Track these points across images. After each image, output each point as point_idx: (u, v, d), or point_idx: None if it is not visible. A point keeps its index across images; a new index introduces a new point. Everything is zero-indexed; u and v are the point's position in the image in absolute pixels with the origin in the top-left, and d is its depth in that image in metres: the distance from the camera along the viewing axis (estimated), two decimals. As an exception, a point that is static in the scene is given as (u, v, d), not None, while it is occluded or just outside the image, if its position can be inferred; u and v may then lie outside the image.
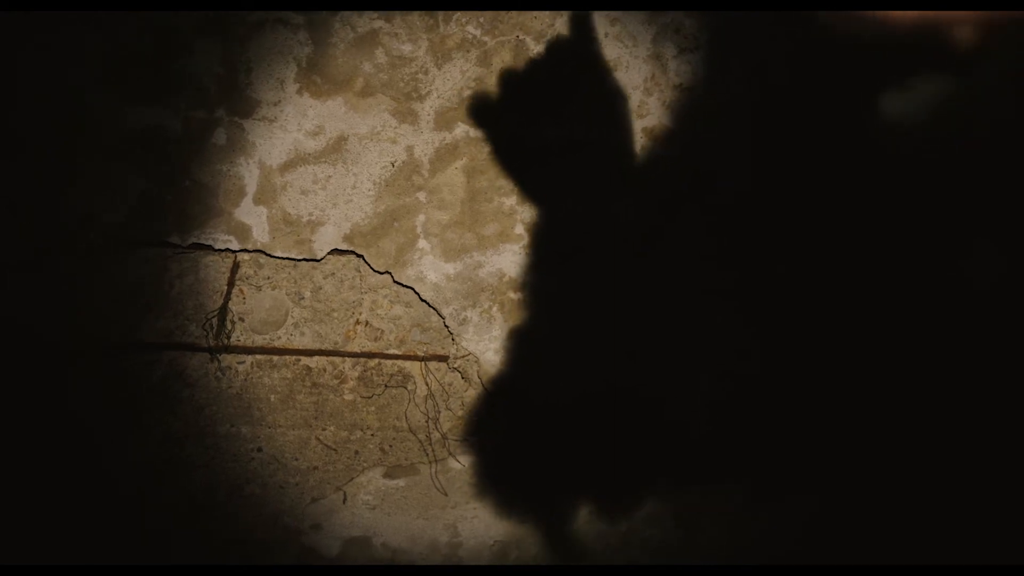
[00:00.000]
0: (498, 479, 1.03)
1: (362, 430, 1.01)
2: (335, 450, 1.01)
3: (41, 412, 0.97)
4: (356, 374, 1.00)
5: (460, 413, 1.02)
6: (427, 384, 1.01)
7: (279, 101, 0.98)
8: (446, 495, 1.03)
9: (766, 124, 1.02)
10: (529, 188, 1.00)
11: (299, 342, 1.00)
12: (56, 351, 0.96)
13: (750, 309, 1.03)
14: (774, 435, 1.05)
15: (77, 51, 0.94)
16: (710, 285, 1.03)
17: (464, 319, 1.01)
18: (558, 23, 0.99)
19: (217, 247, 0.98)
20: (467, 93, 0.99)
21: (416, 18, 0.98)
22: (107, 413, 0.98)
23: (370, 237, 0.99)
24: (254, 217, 0.98)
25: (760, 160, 1.02)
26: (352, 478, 1.02)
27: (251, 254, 0.99)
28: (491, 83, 0.99)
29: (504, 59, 0.99)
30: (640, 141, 1.01)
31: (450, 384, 1.01)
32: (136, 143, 0.96)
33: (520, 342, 1.01)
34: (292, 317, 1.00)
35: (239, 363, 0.99)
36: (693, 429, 1.04)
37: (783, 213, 1.03)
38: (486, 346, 1.01)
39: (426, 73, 0.99)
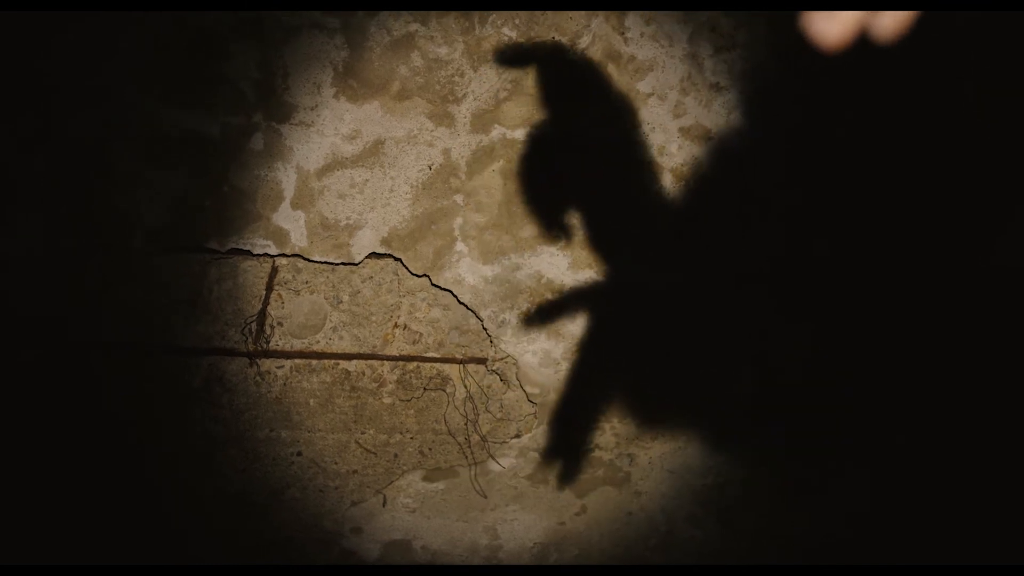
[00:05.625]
0: (538, 480, 1.03)
1: (401, 433, 1.01)
2: (374, 453, 1.01)
3: (83, 415, 0.97)
4: (395, 377, 1.00)
5: (499, 415, 1.02)
6: (466, 387, 1.01)
7: (316, 106, 0.98)
8: (485, 497, 1.03)
9: (803, 120, 1.01)
10: (565, 188, 1.00)
11: (338, 346, 1.00)
12: (98, 355, 0.97)
13: (788, 298, 1.03)
14: (815, 425, 1.05)
15: (117, 56, 0.94)
16: (747, 275, 1.02)
17: (502, 321, 1.01)
18: (593, 23, 0.99)
19: (255, 252, 0.98)
20: (503, 95, 0.99)
21: (452, 20, 0.98)
22: (148, 417, 0.98)
23: (408, 240, 0.99)
24: (292, 222, 0.98)
25: (796, 155, 1.02)
26: (392, 481, 1.02)
27: (289, 259, 0.99)
28: (527, 84, 0.99)
29: (540, 60, 0.99)
30: (677, 141, 1.01)
31: (489, 386, 1.01)
32: (175, 148, 0.96)
33: (558, 342, 1.01)
34: (330, 321, 1.00)
35: (278, 367, 1.00)
36: (733, 421, 1.03)
37: (820, 206, 1.02)
38: (524, 348, 1.01)
39: (462, 76, 0.99)
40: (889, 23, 0.30)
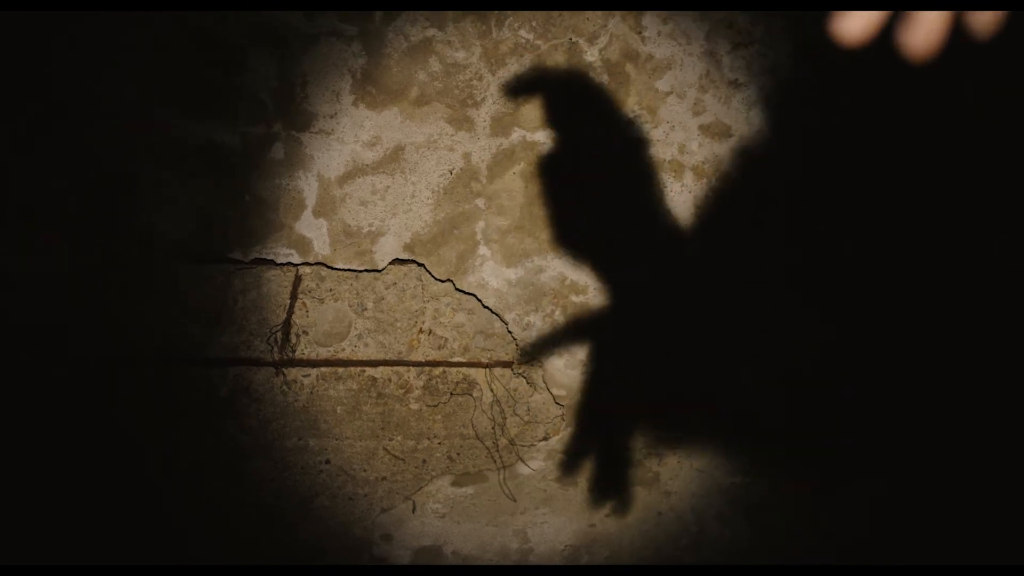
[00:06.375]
0: (566, 482, 1.03)
1: (429, 439, 1.01)
2: (403, 460, 1.01)
3: (111, 430, 0.97)
4: (421, 383, 1.00)
5: (526, 418, 1.01)
6: (492, 391, 1.01)
7: (335, 113, 0.98)
8: (515, 501, 1.03)
9: (822, 116, 1.01)
10: (587, 189, 1.00)
11: (363, 353, 1.00)
12: (124, 370, 0.97)
13: (812, 294, 1.03)
14: (840, 420, 1.04)
15: (136, 72, 0.94)
16: (769, 271, 1.02)
17: (527, 324, 1.00)
18: (610, 23, 0.99)
19: (279, 261, 0.98)
20: (522, 98, 0.99)
21: (469, 24, 0.98)
22: (176, 429, 0.98)
23: (430, 245, 0.99)
24: (314, 230, 0.98)
25: (815, 150, 1.02)
26: (421, 487, 1.02)
27: (312, 267, 0.99)
28: (547, 86, 0.99)
29: (558, 62, 0.99)
30: (697, 139, 1.01)
31: (515, 390, 1.01)
32: (196, 160, 0.96)
33: (584, 344, 1.01)
34: (355, 328, 1.00)
35: (304, 376, 1.00)
36: (761, 419, 1.03)
37: (839, 200, 1.02)
38: (550, 350, 1.01)
39: (480, 79, 0.99)
40: (985, 20, 0.30)
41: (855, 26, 0.33)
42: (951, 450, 1.06)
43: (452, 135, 0.99)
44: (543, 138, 0.99)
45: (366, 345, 1.00)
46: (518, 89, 0.99)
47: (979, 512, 1.08)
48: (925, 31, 0.32)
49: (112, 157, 0.95)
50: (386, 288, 1.00)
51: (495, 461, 1.02)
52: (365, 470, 1.01)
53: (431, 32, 0.97)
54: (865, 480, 1.06)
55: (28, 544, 0.98)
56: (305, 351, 0.99)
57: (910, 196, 1.02)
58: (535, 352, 1.00)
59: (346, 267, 0.99)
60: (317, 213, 0.98)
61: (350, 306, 1.00)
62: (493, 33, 0.98)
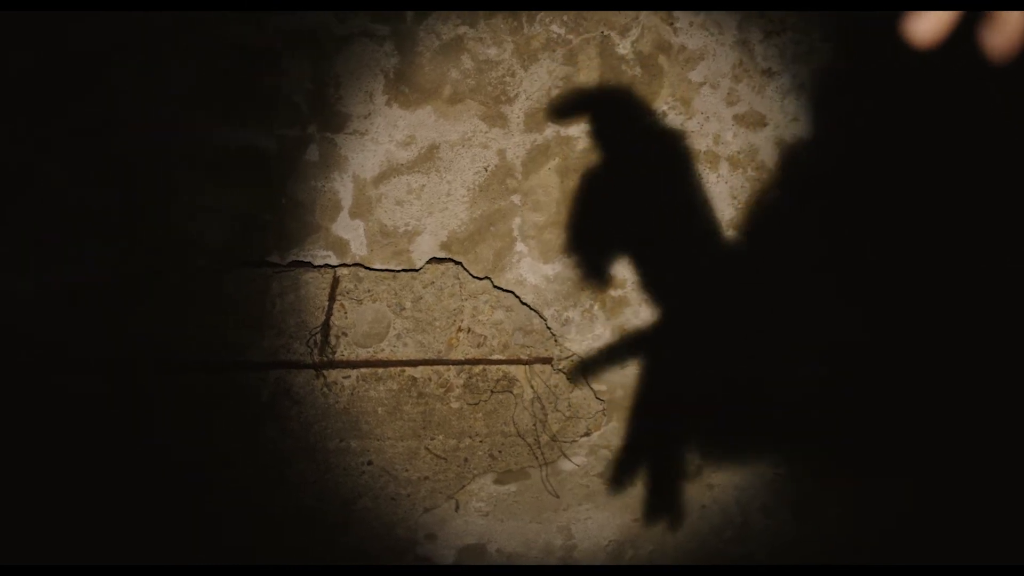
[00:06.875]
0: (609, 477, 1.02)
1: (470, 437, 1.01)
2: (445, 459, 1.01)
3: (154, 434, 0.98)
4: (461, 382, 1.00)
5: (567, 414, 1.01)
6: (532, 387, 1.00)
7: (369, 114, 0.98)
8: (558, 497, 1.02)
9: (857, 103, 1.00)
10: (623, 182, 1.00)
11: (403, 353, 1.00)
12: (167, 378, 0.97)
13: (856, 286, 1.02)
14: (885, 416, 1.04)
15: (174, 77, 0.94)
16: (813, 262, 1.01)
17: (566, 320, 1.00)
18: (642, 16, 0.99)
19: (316, 263, 0.98)
20: (555, 92, 0.99)
21: (500, 21, 0.98)
22: (218, 433, 0.98)
23: (467, 243, 0.99)
24: (351, 231, 0.98)
25: (853, 137, 1.01)
26: (463, 486, 1.02)
27: (350, 268, 0.99)
28: (579, 80, 0.98)
29: (590, 55, 0.98)
30: (732, 129, 1.00)
31: (556, 386, 1.01)
32: (233, 165, 0.96)
33: (623, 338, 1.00)
34: (394, 328, 0.99)
35: (344, 378, 1.00)
36: (806, 414, 1.02)
37: (878, 189, 1.01)
38: (589, 345, 1.00)
39: (513, 75, 0.98)
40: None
41: (928, 26, 0.32)
42: (997, 448, 1.05)
43: (486, 132, 0.98)
44: (577, 133, 0.99)
45: (405, 345, 1.00)
46: (551, 83, 0.98)
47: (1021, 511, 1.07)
48: (1008, 31, 0.31)
49: (151, 165, 0.95)
50: (424, 287, 1.00)
51: (537, 458, 1.01)
52: (407, 470, 1.01)
53: (463, 30, 0.97)
54: (910, 476, 1.06)
55: (74, 545, 0.98)
56: (345, 352, 0.99)
57: (945, 186, 1.01)
58: (575, 347, 1.00)
59: (384, 267, 0.99)
60: (353, 214, 0.98)
61: (388, 306, 0.99)
62: (524, 29, 0.98)
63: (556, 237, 1.00)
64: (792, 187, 1.01)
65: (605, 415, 1.01)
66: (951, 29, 0.32)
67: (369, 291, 0.99)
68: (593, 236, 1.00)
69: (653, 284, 1.00)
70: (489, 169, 0.99)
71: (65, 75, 0.93)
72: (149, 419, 0.97)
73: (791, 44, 1.00)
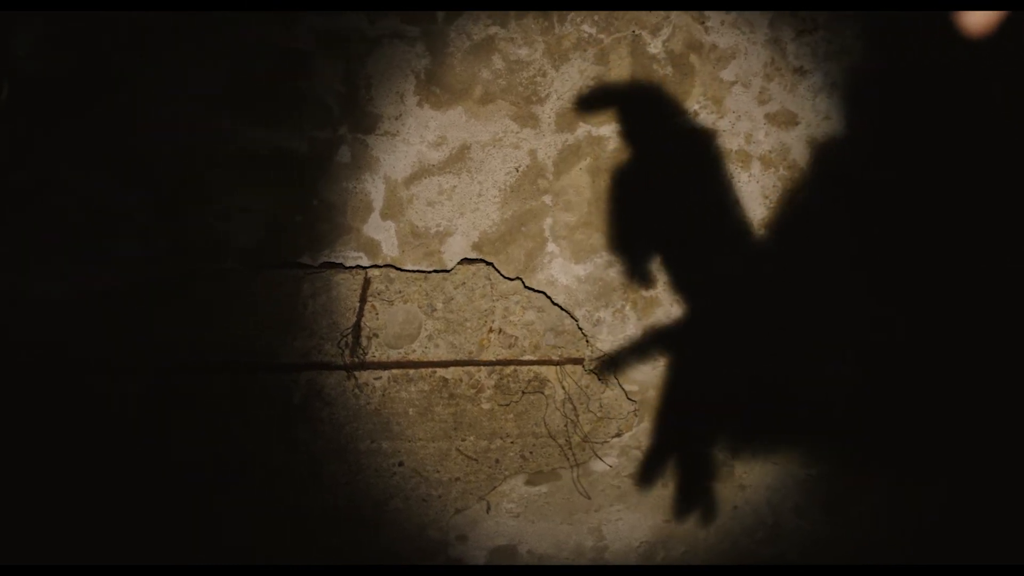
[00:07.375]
0: (641, 478, 1.02)
1: (502, 438, 1.01)
2: (476, 460, 1.01)
3: (186, 435, 0.98)
4: (492, 382, 1.00)
5: (599, 415, 1.01)
6: (564, 388, 1.00)
7: (400, 115, 0.97)
8: (589, 498, 1.02)
9: (891, 101, 1.00)
10: (654, 182, 0.99)
11: (434, 354, 1.00)
12: (200, 379, 0.97)
13: (888, 284, 1.01)
14: (917, 415, 1.03)
15: (204, 77, 0.94)
16: (844, 261, 1.01)
17: (597, 320, 1.00)
18: (673, 15, 0.98)
19: (348, 265, 0.98)
20: (586, 92, 0.98)
21: (531, 21, 0.98)
22: (250, 434, 0.99)
23: (498, 244, 0.99)
24: (382, 232, 0.98)
25: (885, 135, 1.00)
26: (494, 487, 1.01)
27: (381, 269, 0.99)
28: (610, 80, 0.98)
29: (621, 55, 0.98)
30: (764, 128, 0.99)
31: (587, 386, 1.01)
32: (265, 167, 0.96)
33: (655, 338, 1.00)
34: (425, 329, 0.99)
35: (376, 379, 1.00)
36: (836, 413, 1.02)
37: (909, 187, 1.01)
38: (621, 346, 1.00)
39: (544, 75, 0.98)
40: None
41: (979, 22, 0.37)
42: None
43: (517, 132, 0.98)
44: (608, 133, 0.99)
45: (436, 346, 1.00)
46: (582, 83, 0.98)
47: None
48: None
49: (183, 168, 0.95)
50: (455, 288, 0.99)
51: (568, 459, 1.01)
52: (438, 471, 1.01)
53: (493, 30, 0.97)
54: (946, 477, 1.05)
55: (105, 544, 0.99)
56: (376, 353, 0.99)
57: (977, 185, 1.01)
58: (606, 348, 1.00)
59: (415, 268, 0.99)
60: (384, 215, 0.98)
61: (420, 307, 0.99)
62: (555, 28, 0.98)
63: (587, 237, 0.99)
64: (823, 186, 1.01)
65: (637, 415, 1.01)
66: (1000, 24, 0.37)
67: (400, 292, 0.99)
68: (625, 236, 0.99)
69: (685, 284, 1.00)
70: (520, 169, 0.99)
71: (98, 77, 0.93)
72: (181, 421, 0.97)
73: (823, 42, 0.99)
